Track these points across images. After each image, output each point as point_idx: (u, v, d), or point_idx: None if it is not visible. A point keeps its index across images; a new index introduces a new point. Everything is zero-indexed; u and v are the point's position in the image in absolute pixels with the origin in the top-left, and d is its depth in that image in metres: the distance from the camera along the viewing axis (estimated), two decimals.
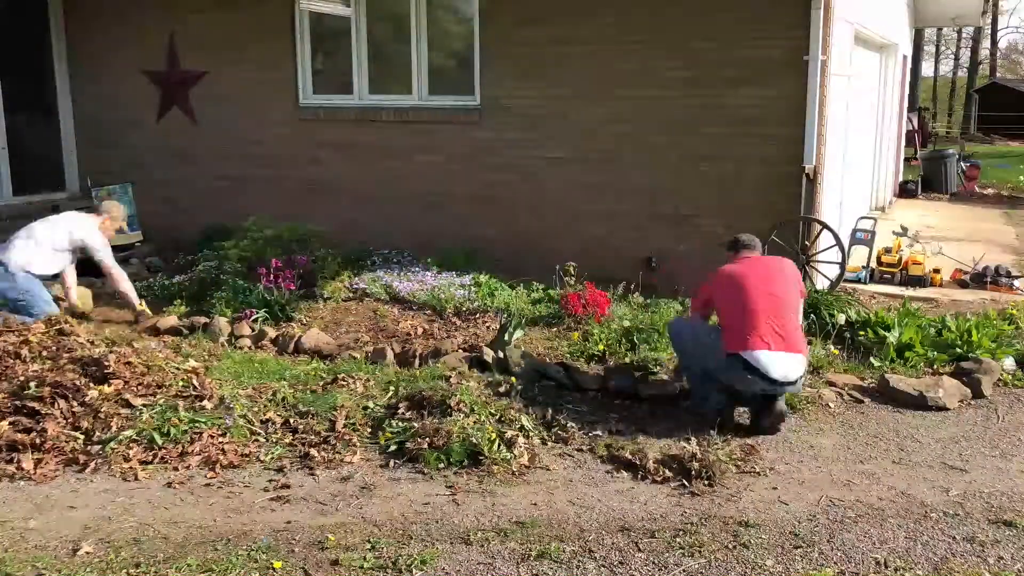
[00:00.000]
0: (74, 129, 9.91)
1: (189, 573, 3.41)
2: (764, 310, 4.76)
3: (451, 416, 4.64)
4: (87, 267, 8.23)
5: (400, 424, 4.69)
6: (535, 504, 4.00)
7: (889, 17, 11.30)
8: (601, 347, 5.95)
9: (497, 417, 4.75)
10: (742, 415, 4.93)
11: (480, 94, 7.95)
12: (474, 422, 4.61)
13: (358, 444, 4.57)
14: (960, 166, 15.02)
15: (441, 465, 4.33)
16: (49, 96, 9.76)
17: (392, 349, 5.91)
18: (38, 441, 4.45)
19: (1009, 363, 5.77)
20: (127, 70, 9.44)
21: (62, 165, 9.90)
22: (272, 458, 4.45)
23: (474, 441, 4.41)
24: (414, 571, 3.44)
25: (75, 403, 4.69)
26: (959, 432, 4.87)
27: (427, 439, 4.46)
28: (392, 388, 5.19)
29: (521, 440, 4.51)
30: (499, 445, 4.44)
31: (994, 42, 40.27)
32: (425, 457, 4.37)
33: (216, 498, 4.07)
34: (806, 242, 6.96)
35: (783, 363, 4.67)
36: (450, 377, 5.23)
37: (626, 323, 6.21)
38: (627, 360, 5.75)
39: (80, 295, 7.00)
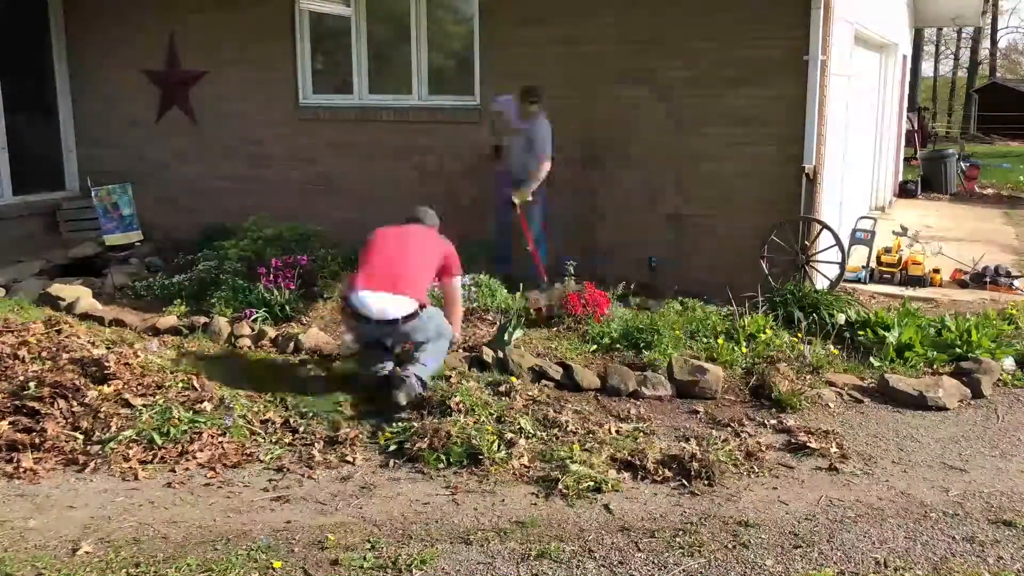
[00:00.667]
0: (74, 129, 9.91)
1: (189, 573, 3.41)
2: (387, 256, 5.20)
3: (451, 416, 4.65)
4: (86, 268, 8.25)
5: (400, 425, 4.69)
6: (535, 504, 4.00)
7: (889, 17, 11.30)
8: (601, 347, 5.96)
9: (496, 417, 4.75)
10: None
11: (480, 94, 7.95)
12: (474, 422, 4.62)
13: (358, 444, 4.57)
14: (960, 166, 15.01)
15: (441, 465, 4.34)
16: (49, 96, 9.75)
17: None
18: (38, 441, 4.45)
19: (1009, 363, 5.77)
20: (127, 70, 9.44)
21: (62, 165, 9.90)
22: (272, 458, 4.45)
23: (474, 443, 4.41)
24: (414, 571, 3.44)
25: (75, 403, 4.69)
26: (959, 432, 4.87)
27: (426, 439, 4.47)
28: None
29: (521, 441, 4.52)
30: (499, 446, 4.45)
31: (994, 42, 40.25)
32: (425, 457, 4.38)
33: (216, 498, 4.07)
34: (806, 242, 6.96)
35: (380, 302, 4.93)
36: (450, 377, 5.23)
37: (626, 323, 6.22)
38: (627, 360, 5.76)
39: (80, 293, 7.00)
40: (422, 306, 5.05)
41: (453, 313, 5.64)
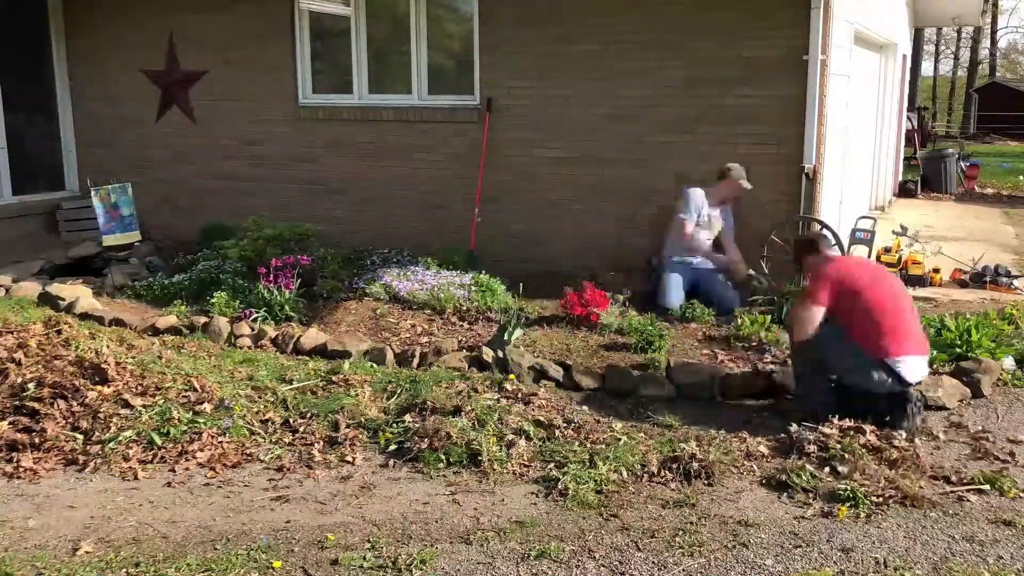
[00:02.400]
0: (73, 129, 9.91)
1: (188, 572, 3.41)
2: (906, 312, 4.86)
3: (452, 418, 4.63)
4: (86, 268, 8.25)
5: (400, 426, 4.67)
6: (535, 504, 3.99)
7: (889, 17, 11.30)
8: (603, 346, 5.96)
9: (496, 417, 4.74)
10: None
11: (480, 94, 7.95)
12: (474, 424, 4.60)
13: (358, 444, 4.57)
14: (960, 166, 15.01)
15: (441, 465, 4.32)
16: (49, 96, 9.75)
17: (392, 349, 5.91)
18: (38, 441, 4.45)
19: (1009, 363, 5.77)
20: (126, 70, 9.44)
21: (61, 165, 9.91)
22: (272, 458, 4.45)
23: (474, 447, 4.38)
24: (413, 571, 3.44)
25: (74, 403, 4.69)
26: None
27: (427, 440, 4.45)
28: (391, 387, 5.19)
29: (522, 442, 4.50)
30: (500, 448, 4.43)
31: (993, 42, 40.29)
32: (425, 457, 4.37)
33: (216, 498, 4.06)
34: None
35: (920, 368, 4.81)
36: (460, 391, 5.17)
37: (626, 323, 6.22)
38: (627, 360, 5.76)
39: (80, 293, 6.99)
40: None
41: None
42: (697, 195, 6.85)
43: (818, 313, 4.84)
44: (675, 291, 6.79)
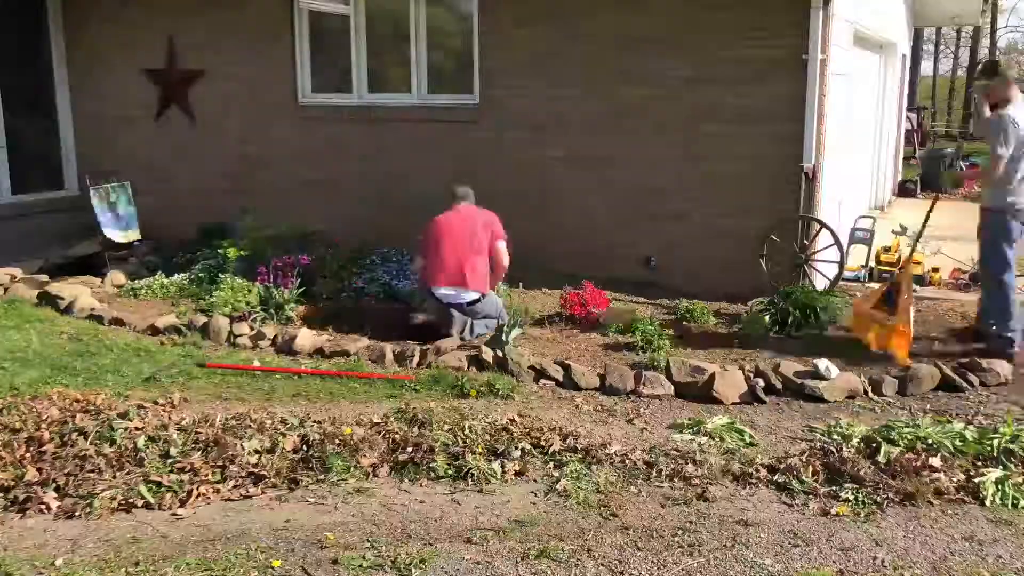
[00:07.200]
0: (73, 128, 9.90)
1: (188, 572, 3.40)
2: None
3: (432, 431, 4.49)
4: (85, 266, 8.24)
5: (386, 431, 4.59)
6: (535, 503, 3.99)
7: (889, 17, 11.29)
8: (601, 346, 5.96)
9: (488, 418, 4.70)
10: None
11: (479, 93, 7.94)
12: (456, 437, 4.47)
13: (358, 444, 4.56)
14: (959, 165, 15.00)
15: (432, 477, 4.22)
16: (48, 95, 9.75)
17: (391, 349, 5.90)
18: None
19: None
20: (126, 69, 9.44)
21: (61, 164, 9.90)
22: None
23: (458, 462, 4.26)
24: (413, 570, 3.43)
25: None
26: None
27: (408, 451, 4.35)
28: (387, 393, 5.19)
29: (516, 452, 4.38)
30: (489, 459, 4.31)
31: (993, 41, 40.20)
32: (412, 468, 4.27)
33: (215, 497, 4.06)
34: (805, 241, 6.96)
35: None
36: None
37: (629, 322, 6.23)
38: (626, 360, 5.76)
39: (79, 292, 6.98)
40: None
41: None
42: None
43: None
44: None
